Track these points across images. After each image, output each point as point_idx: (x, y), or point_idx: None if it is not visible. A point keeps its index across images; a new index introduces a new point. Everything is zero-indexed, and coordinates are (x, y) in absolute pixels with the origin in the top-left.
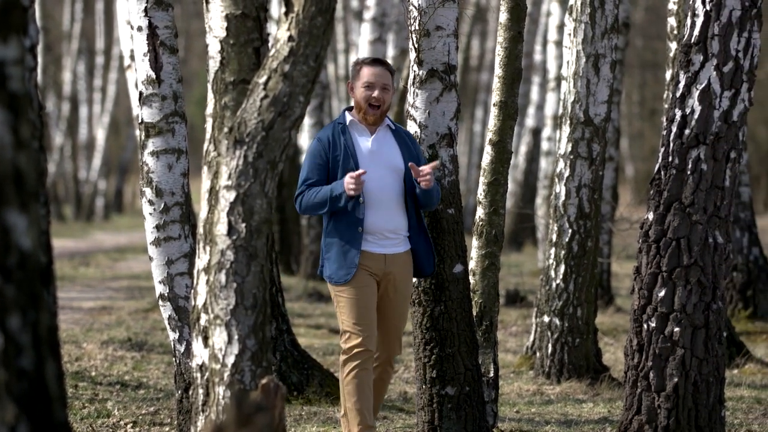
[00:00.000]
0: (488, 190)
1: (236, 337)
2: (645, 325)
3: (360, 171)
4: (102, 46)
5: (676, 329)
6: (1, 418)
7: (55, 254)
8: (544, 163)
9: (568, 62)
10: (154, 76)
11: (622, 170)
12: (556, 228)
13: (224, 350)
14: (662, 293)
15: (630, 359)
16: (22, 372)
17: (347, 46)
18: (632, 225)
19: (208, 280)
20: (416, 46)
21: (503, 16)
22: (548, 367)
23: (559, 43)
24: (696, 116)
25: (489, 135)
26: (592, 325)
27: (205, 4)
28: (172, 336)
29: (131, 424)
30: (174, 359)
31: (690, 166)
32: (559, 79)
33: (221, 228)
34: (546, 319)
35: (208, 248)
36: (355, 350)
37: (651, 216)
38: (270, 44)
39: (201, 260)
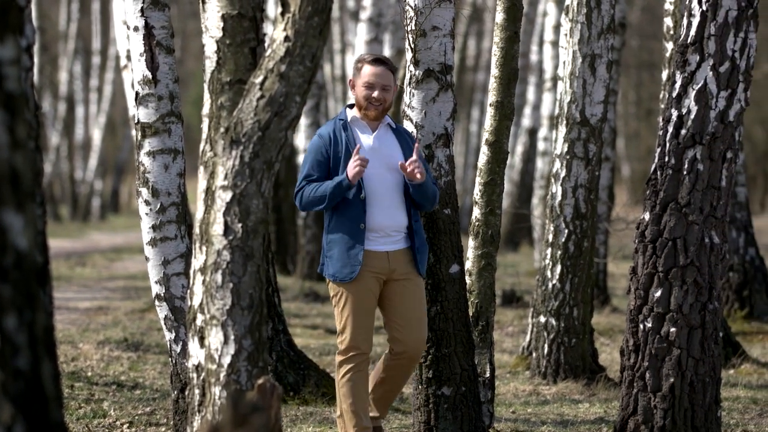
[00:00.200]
0: (484, 190)
1: (232, 337)
2: (641, 326)
3: (364, 157)
4: (98, 46)
5: (673, 329)
6: None
7: (52, 254)
8: (540, 164)
9: (564, 62)
10: (150, 76)
11: (618, 170)
12: (552, 228)
13: (220, 350)
14: (658, 293)
15: (626, 359)
16: (18, 372)
17: (343, 46)
18: (628, 225)
19: (204, 281)
20: (412, 46)
21: (499, 16)
22: (544, 367)
23: (555, 43)
24: (692, 116)
25: (485, 135)
26: (589, 325)
27: (201, 4)
28: (169, 336)
29: (127, 425)
30: (170, 359)
31: (686, 166)
32: (555, 79)
33: (217, 228)
34: (542, 319)
35: (204, 248)
36: (351, 353)
37: (647, 216)
38: (266, 44)
39: (197, 260)
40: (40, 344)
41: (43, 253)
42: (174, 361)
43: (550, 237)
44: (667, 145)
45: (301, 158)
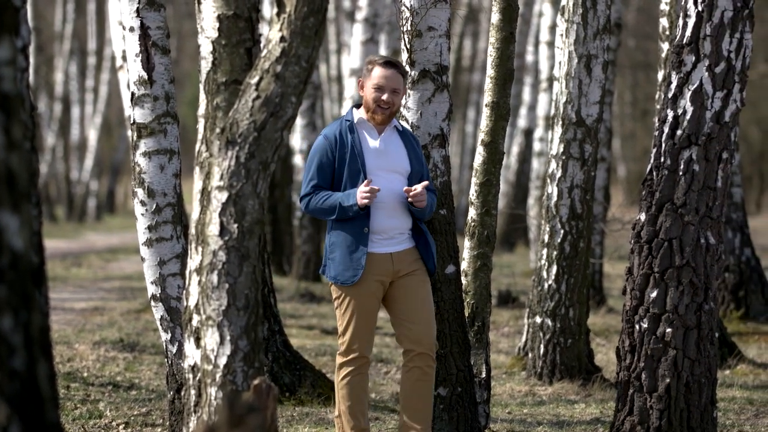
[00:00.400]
0: (480, 190)
1: (228, 337)
2: (637, 326)
3: (375, 187)
4: (94, 46)
5: (668, 330)
6: None
7: (47, 255)
8: (536, 164)
9: (560, 63)
10: (146, 76)
11: (614, 171)
12: (548, 229)
13: (216, 351)
14: (654, 294)
15: (622, 360)
16: (14, 372)
17: (339, 46)
18: (624, 226)
19: (200, 281)
20: (408, 46)
21: (495, 17)
22: (540, 367)
23: (551, 44)
24: (688, 117)
25: (481, 136)
26: (584, 325)
27: (197, 5)
28: (164, 337)
29: (123, 425)
30: (166, 360)
31: (682, 166)
32: (551, 79)
33: (213, 229)
34: (538, 319)
35: (200, 249)
36: (352, 355)
37: (643, 217)
38: (262, 45)
39: (193, 261)
40: (35, 345)
41: (38, 253)
42: (170, 362)
43: (546, 237)
44: (663, 145)
45: (297, 159)
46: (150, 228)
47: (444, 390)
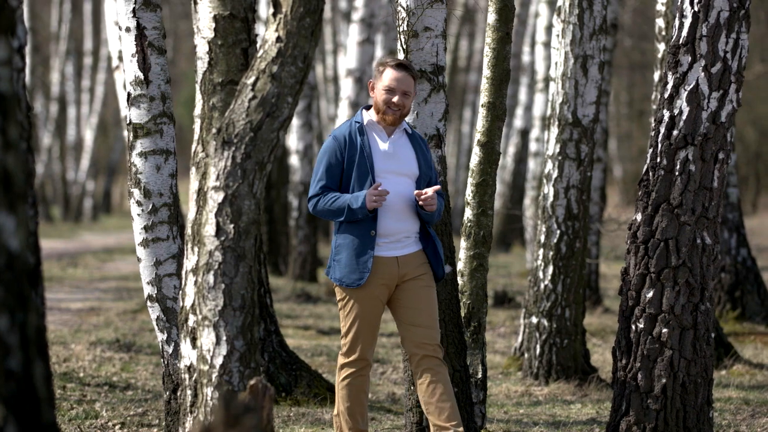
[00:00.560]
0: (476, 191)
1: (224, 338)
2: (633, 326)
3: (384, 190)
4: (90, 47)
5: (665, 330)
6: None
7: (43, 255)
8: (532, 164)
9: (556, 63)
10: (142, 77)
11: (610, 171)
12: (544, 229)
13: (212, 351)
14: (650, 294)
15: (618, 360)
16: (10, 373)
17: (335, 47)
18: (620, 226)
19: (196, 281)
20: (404, 47)
21: (491, 17)
22: (536, 368)
23: (547, 44)
24: (684, 117)
25: (477, 136)
26: (581, 326)
27: (193, 5)
28: (161, 337)
29: (119, 425)
30: (162, 360)
31: (678, 167)
32: (547, 80)
33: (209, 229)
34: (534, 320)
35: (196, 249)
36: (353, 357)
37: (639, 217)
38: (258, 45)
39: (189, 261)
40: (31, 345)
41: (34, 254)
42: (166, 362)
43: (542, 238)
44: (659, 145)
45: (293, 159)
46: (146, 228)
47: None
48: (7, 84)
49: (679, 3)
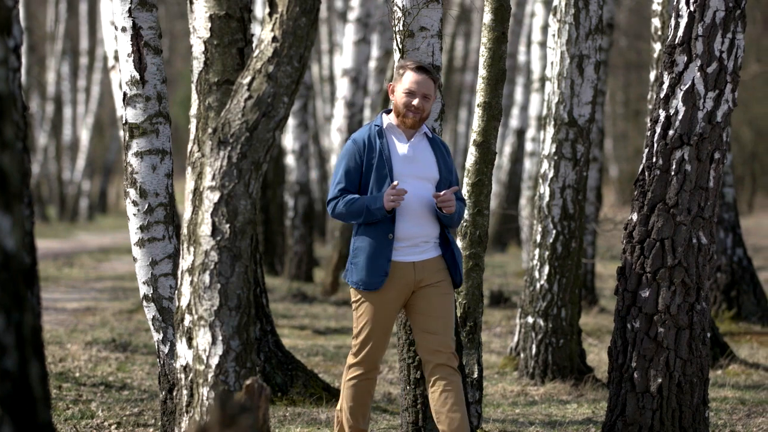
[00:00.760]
0: (472, 191)
1: (220, 338)
2: (629, 326)
3: (402, 189)
4: (86, 46)
5: (660, 330)
6: None
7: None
8: (528, 164)
9: (552, 63)
10: (138, 76)
11: (606, 171)
12: (540, 229)
13: (208, 351)
14: (646, 294)
15: (614, 360)
16: (6, 373)
17: (331, 46)
18: (616, 226)
19: (192, 281)
20: (400, 46)
21: (487, 17)
22: (532, 367)
23: (543, 44)
24: (680, 117)
25: (473, 136)
26: (576, 325)
27: (189, 5)
28: (156, 337)
29: (115, 425)
30: (158, 360)
31: (674, 166)
32: (543, 79)
33: (205, 229)
34: (530, 319)
35: (192, 249)
36: (363, 360)
37: (635, 217)
38: (254, 45)
39: (185, 261)
40: (27, 345)
41: (30, 253)
42: (162, 362)
43: (538, 237)
44: (655, 145)
45: (289, 159)
46: (142, 228)
47: None
48: (2, 84)
49: (674, 3)
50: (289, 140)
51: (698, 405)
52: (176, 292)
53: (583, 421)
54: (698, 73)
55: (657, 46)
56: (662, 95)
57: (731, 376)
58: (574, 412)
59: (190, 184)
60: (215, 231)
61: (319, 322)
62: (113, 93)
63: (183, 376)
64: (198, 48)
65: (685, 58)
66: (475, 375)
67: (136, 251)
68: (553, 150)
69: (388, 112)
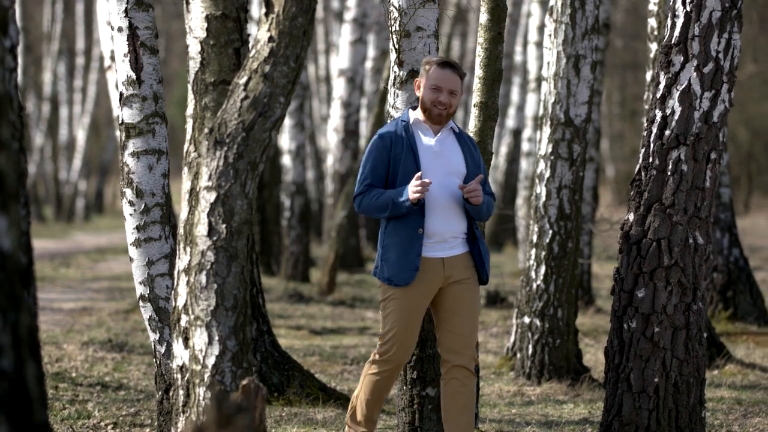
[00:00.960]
0: None
1: (217, 338)
2: (625, 326)
3: (426, 180)
4: (82, 46)
5: (657, 330)
6: None
7: (36, 255)
8: (524, 164)
9: (548, 63)
10: (134, 76)
11: (602, 171)
12: (536, 229)
13: (205, 351)
14: (643, 294)
15: (610, 360)
16: (2, 373)
17: (328, 46)
18: (612, 226)
19: (188, 281)
20: (397, 46)
21: (483, 17)
22: (529, 368)
23: (539, 44)
24: (676, 117)
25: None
26: (573, 326)
27: (185, 5)
28: (153, 337)
29: (112, 425)
30: (154, 360)
31: (670, 167)
32: (539, 80)
33: (202, 229)
34: (526, 320)
35: (188, 249)
36: (386, 357)
37: (631, 217)
38: (250, 45)
39: (181, 261)
40: (24, 345)
41: (27, 253)
42: (158, 362)
43: (535, 238)
44: (652, 145)
45: (285, 159)
46: (138, 228)
47: (432, 390)
48: None
49: (671, 3)
50: (285, 140)
51: (695, 405)
52: (173, 292)
53: (580, 421)
54: (695, 74)
55: (653, 46)
56: (659, 95)
57: (728, 376)
58: (570, 412)
59: (186, 184)
60: (212, 231)
61: (315, 322)
62: (109, 93)
63: (179, 376)
64: (194, 48)
65: (682, 58)
66: None
67: (133, 251)
68: (550, 150)
69: (415, 107)
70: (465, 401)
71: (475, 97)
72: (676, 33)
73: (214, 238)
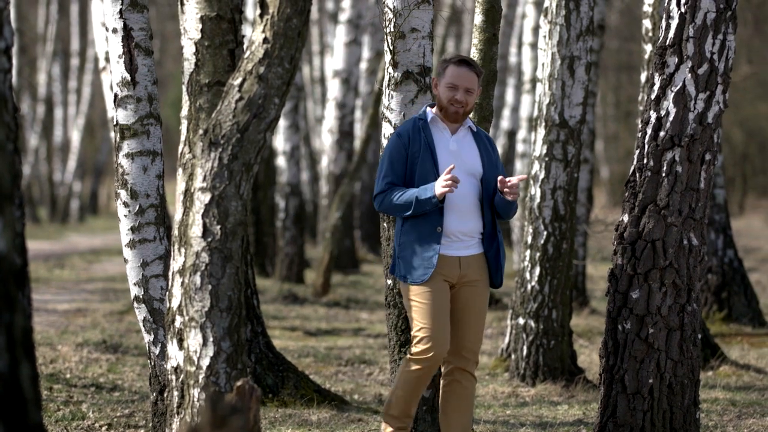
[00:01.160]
0: None
1: (211, 339)
2: (620, 327)
3: (456, 176)
4: (77, 48)
5: (651, 331)
6: None
7: (30, 256)
8: (519, 165)
9: (543, 64)
10: (129, 78)
11: (597, 172)
12: (531, 230)
13: (199, 352)
14: (637, 295)
15: (605, 361)
16: None
17: (322, 48)
18: (607, 227)
19: (183, 282)
20: (391, 48)
21: (478, 18)
22: (523, 369)
23: (534, 45)
24: (671, 118)
25: None
26: (567, 327)
27: (180, 6)
28: (147, 338)
29: (106, 427)
30: (149, 361)
31: (665, 168)
32: (534, 81)
33: (196, 230)
34: (521, 321)
35: (183, 250)
36: (424, 356)
37: (626, 218)
38: (245, 46)
39: (176, 262)
40: (18, 346)
41: (21, 254)
42: (153, 363)
43: (529, 239)
44: (646, 147)
45: (279, 160)
46: (133, 229)
47: (427, 391)
48: None
49: (665, 4)
50: (280, 141)
51: (689, 406)
52: (167, 293)
53: (574, 422)
54: (689, 75)
55: (648, 48)
56: (653, 96)
57: (722, 377)
58: (565, 413)
59: (181, 185)
60: (206, 232)
61: (310, 323)
62: (104, 94)
63: (174, 377)
64: (189, 49)
65: (676, 59)
66: None
67: (127, 252)
68: (544, 151)
69: (433, 105)
70: (465, 404)
71: None
72: (671, 34)
73: (209, 240)
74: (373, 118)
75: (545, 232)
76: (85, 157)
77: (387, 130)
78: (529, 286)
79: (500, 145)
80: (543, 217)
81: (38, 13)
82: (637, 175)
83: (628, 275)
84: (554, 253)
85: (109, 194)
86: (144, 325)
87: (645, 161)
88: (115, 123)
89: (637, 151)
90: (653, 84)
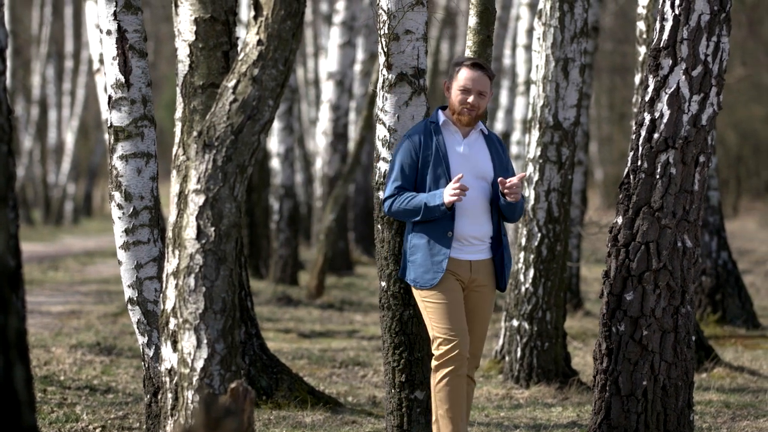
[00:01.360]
0: None
1: (205, 341)
2: (614, 329)
3: (464, 185)
4: (71, 49)
5: (645, 333)
6: None
7: (24, 258)
8: (513, 167)
9: (537, 66)
10: (123, 79)
11: (591, 174)
12: (525, 232)
13: (193, 354)
14: (631, 297)
15: (599, 363)
16: None
17: (316, 49)
18: (601, 229)
19: (177, 284)
20: (385, 50)
21: (472, 20)
22: (517, 371)
23: (528, 47)
24: (665, 120)
25: None
26: (561, 329)
27: (174, 8)
28: (141, 340)
29: (100, 429)
30: (143, 363)
31: (659, 170)
32: (528, 83)
33: (190, 232)
34: (515, 323)
35: (177, 252)
36: (449, 356)
37: (620, 220)
38: (239, 48)
39: (170, 264)
40: (12, 348)
41: (15, 257)
42: (147, 365)
43: (523, 241)
44: (640, 148)
45: (274, 162)
46: (127, 231)
47: (421, 393)
48: None
49: (660, 6)
50: (274, 143)
51: (683, 408)
52: (161, 295)
53: (568, 424)
54: (683, 77)
55: (642, 50)
56: (647, 98)
57: (716, 379)
58: (559, 415)
59: (175, 187)
60: (200, 234)
61: (304, 325)
62: (98, 96)
63: (168, 379)
64: (183, 51)
65: (670, 61)
66: None
67: (121, 254)
68: (538, 153)
69: (444, 108)
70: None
71: None
72: (665, 36)
73: (203, 241)
74: (368, 120)
75: (539, 234)
76: (79, 159)
77: (381, 132)
78: (523, 288)
79: None
80: (537, 219)
81: (32, 15)
82: (631, 177)
83: (622, 277)
84: (548, 255)
85: (103, 196)
86: (138, 327)
87: (639, 163)
88: (109, 125)
89: (631, 153)
90: (647, 86)
